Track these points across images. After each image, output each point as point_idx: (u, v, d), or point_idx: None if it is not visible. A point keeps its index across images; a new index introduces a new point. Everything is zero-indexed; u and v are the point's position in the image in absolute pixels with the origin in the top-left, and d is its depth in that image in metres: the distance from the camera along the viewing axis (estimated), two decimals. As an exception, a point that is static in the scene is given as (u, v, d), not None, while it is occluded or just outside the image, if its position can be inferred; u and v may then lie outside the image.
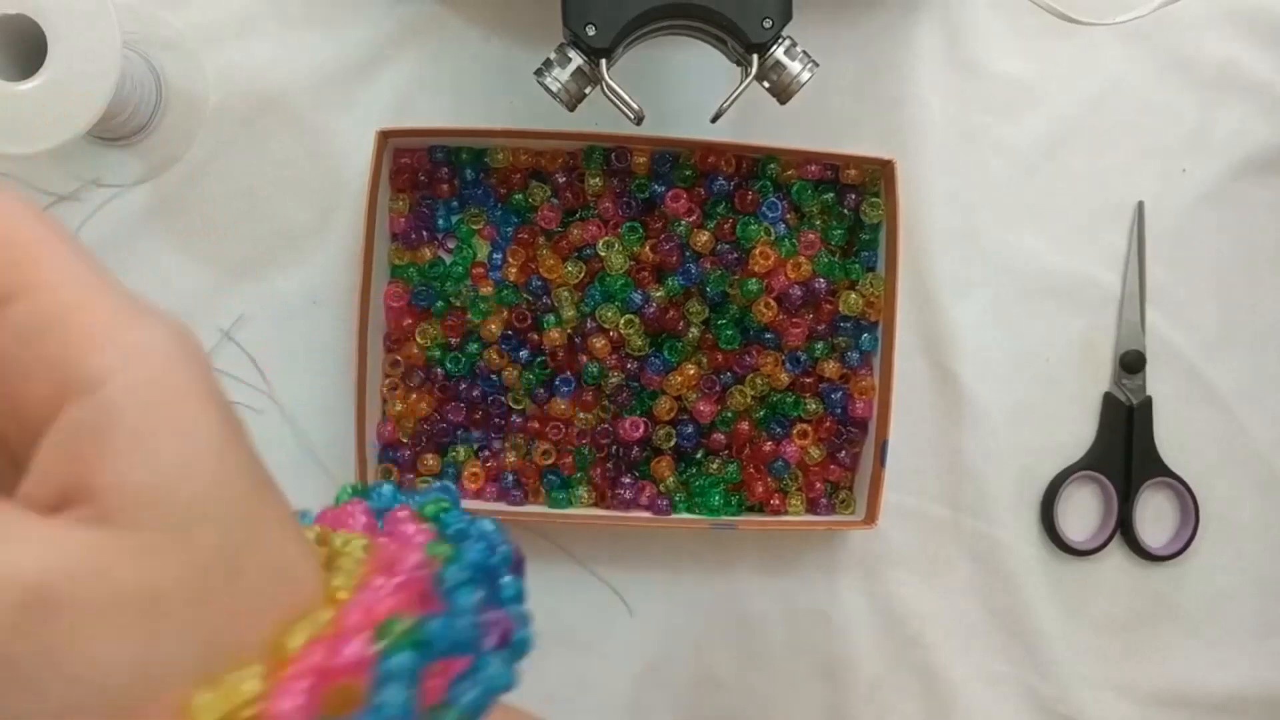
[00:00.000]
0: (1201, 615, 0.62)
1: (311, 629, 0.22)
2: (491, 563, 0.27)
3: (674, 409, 0.58)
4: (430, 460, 0.59)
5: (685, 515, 0.58)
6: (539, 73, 0.50)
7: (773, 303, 0.58)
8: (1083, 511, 0.62)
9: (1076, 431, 0.62)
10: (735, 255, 0.58)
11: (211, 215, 0.60)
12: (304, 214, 0.60)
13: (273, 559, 0.22)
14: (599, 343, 0.58)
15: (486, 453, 0.59)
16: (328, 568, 0.24)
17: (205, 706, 0.20)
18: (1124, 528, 0.61)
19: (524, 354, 0.59)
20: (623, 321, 0.57)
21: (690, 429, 0.58)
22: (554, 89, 0.50)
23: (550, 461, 0.59)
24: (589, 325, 0.58)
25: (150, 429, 0.20)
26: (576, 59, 0.49)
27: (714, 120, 0.51)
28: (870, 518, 0.57)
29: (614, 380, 0.58)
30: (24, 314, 0.20)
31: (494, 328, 0.58)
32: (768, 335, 0.58)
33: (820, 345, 0.59)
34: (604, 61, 0.49)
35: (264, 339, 0.60)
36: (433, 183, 0.59)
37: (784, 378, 0.58)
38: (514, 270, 0.59)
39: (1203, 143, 0.62)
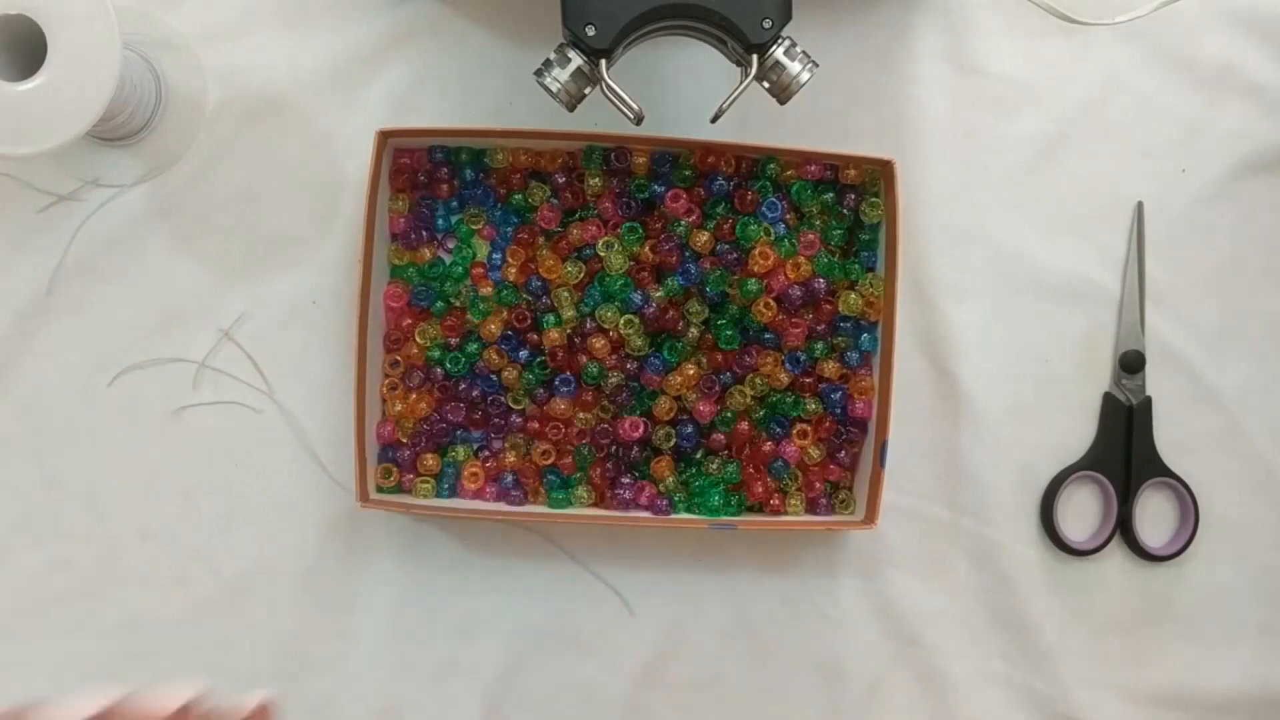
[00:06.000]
0: (1201, 615, 0.62)
1: None
2: None
3: (674, 409, 0.58)
4: (430, 460, 0.59)
5: (685, 515, 0.58)
6: (539, 73, 0.50)
7: (772, 303, 0.58)
8: (1082, 512, 0.62)
9: (1076, 431, 0.62)
10: (735, 255, 0.58)
11: (211, 215, 0.60)
12: (304, 214, 0.60)
13: None
14: (599, 343, 0.58)
15: (486, 453, 0.60)
16: None
17: None
18: (1124, 528, 0.61)
19: (524, 354, 0.59)
20: (622, 321, 0.58)
21: (690, 429, 0.58)
22: (554, 89, 0.50)
23: (550, 461, 0.59)
24: (589, 325, 0.58)
25: None
26: (576, 59, 0.49)
27: (714, 120, 0.51)
28: (870, 518, 0.57)
29: (614, 380, 0.58)
30: None
31: (494, 328, 0.58)
32: (767, 335, 0.58)
33: (820, 345, 0.59)
34: (604, 62, 0.49)
35: (264, 339, 0.60)
36: (432, 183, 0.59)
37: (784, 378, 0.58)
38: (514, 270, 0.59)
39: (1202, 143, 0.62)
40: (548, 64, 0.50)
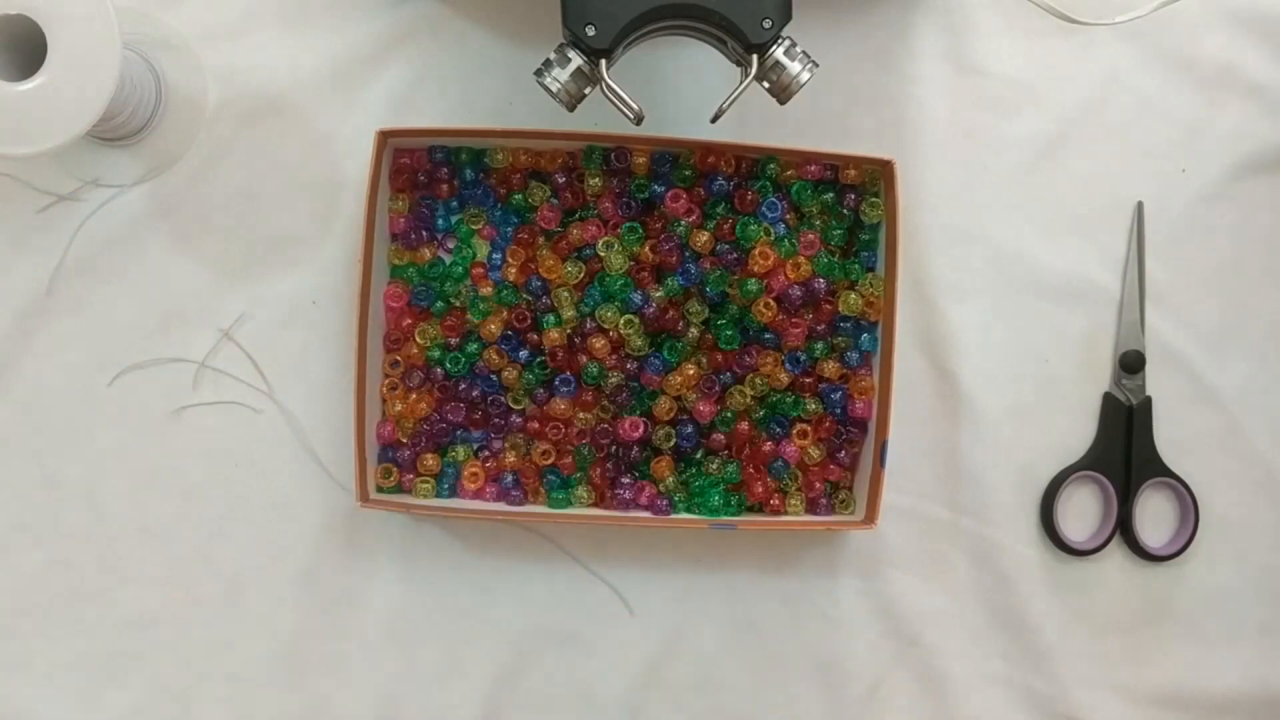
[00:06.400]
0: (1201, 615, 0.62)
1: None
2: None
3: (674, 409, 0.58)
4: (430, 460, 0.59)
5: (685, 515, 0.58)
6: (539, 73, 0.50)
7: (772, 303, 0.58)
8: (1082, 511, 0.62)
9: (1076, 431, 0.62)
10: (735, 255, 0.58)
11: (211, 215, 0.60)
12: (304, 214, 0.60)
13: None
14: (599, 343, 0.58)
15: (486, 453, 0.60)
16: None
17: None
18: (1124, 528, 0.61)
19: (524, 354, 0.59)
20: (623, 321, 0.58)
21: (690, 429, 0.58)
22: (554, 89, 0.50)
23: (550, 461, 0.59)
24: (589, 325, 0.58)
25: None
26: (576, 59, 0.49)
27: (714, 120, 0.51)
28: (870, 518, 0.57)
29: (614, 380, 0.58)
30: None
31: (494, 328, 0.58)
32: (767, 335, 0.58)
33: (820, 345, 0.59)
34: (604, 62, 0.49)
35: (264, 339, 0.60)
36: (433, 183, 0.59)
37: (784, 378, 0.58)
38: (514, 270, 0.59)
39: (1202, 143, 0.62)
40: (548, 64, 0.50)
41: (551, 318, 0.58)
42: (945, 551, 0.61)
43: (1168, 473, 0.61)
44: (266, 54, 0.60)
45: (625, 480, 0.58)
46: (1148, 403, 0.61)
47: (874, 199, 0.58)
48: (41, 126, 0.49)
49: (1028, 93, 0.61)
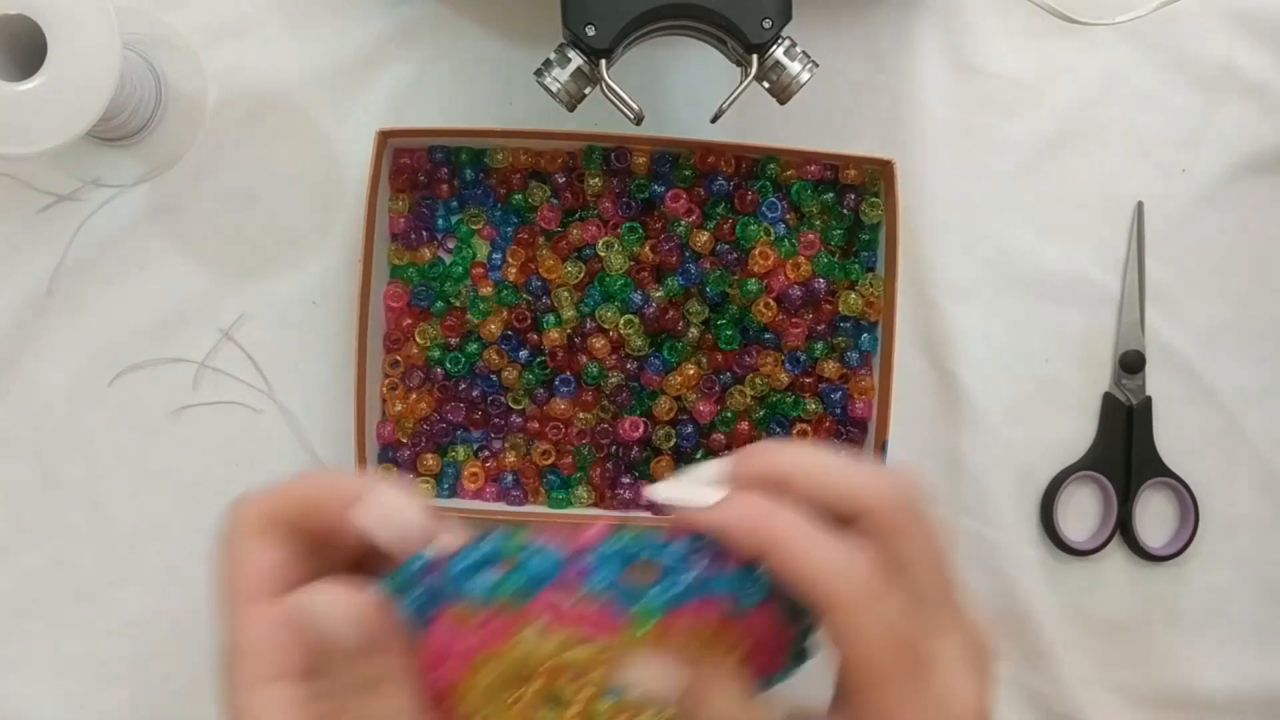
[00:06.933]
0: (1201, 615, 0.62)
1: None
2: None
3: (674, 409, 0.58)
4: (430, 460, 0.59)
5: (685, 515, 0.58)
6: (539, 73, 0.50)
7: (772, 303, 0.58)
8: (1082, 512, 0.62)
9: (1076, 431, 0.62)
10: (735, 255, 0.58)
11: (211, 215, 0.60)
12: (304, 214, 0.60)
13: None
14: (599, 343, 0.58)
15: (486, 453, 0.60)
16: None
17: None
18: (1123, 528, 0.61)
19: (524, 354, 0.59)
20: (622, 321, 0.58)
21: (690, 429, 0.58)
22: (554, 89, 0.50)
23: (550, 461, 0.59)
24: (589, 325, 0.58)
25: None
26: (576, 59, 0.49)
27: (714, 120, 0.51)
28: (870, 518, 0.56)
29: (614, 380, 0.58)
30: None
31: (494, 328, 0.58)
32: (767, 335, 0.58)
33: (820, 345, 0.59)
34: (604, 62, 0.49)
35: (264, 339, 0.60)
36: (432, 183, 0.59)
37: (784, 378, 0.58)
38: (514, 270, 0.59)
39: (1203, 143, 0.62)
40: (548, 64, 0.50)
41: (551, 318, 0.58)
42: (945, 551, 0.61)
43: (1168, 473, 0.61)
44: (266, 54, 0.60)
45: (625, 480, 0.58)
46: (1148, 403, 0.61)
47: (874, 199, 0.58)
48: (41, 126, 0.49)
49: (1028, 93, 0.61)
